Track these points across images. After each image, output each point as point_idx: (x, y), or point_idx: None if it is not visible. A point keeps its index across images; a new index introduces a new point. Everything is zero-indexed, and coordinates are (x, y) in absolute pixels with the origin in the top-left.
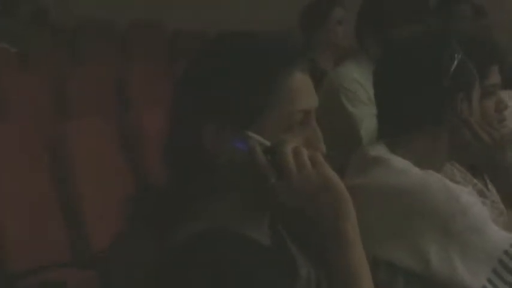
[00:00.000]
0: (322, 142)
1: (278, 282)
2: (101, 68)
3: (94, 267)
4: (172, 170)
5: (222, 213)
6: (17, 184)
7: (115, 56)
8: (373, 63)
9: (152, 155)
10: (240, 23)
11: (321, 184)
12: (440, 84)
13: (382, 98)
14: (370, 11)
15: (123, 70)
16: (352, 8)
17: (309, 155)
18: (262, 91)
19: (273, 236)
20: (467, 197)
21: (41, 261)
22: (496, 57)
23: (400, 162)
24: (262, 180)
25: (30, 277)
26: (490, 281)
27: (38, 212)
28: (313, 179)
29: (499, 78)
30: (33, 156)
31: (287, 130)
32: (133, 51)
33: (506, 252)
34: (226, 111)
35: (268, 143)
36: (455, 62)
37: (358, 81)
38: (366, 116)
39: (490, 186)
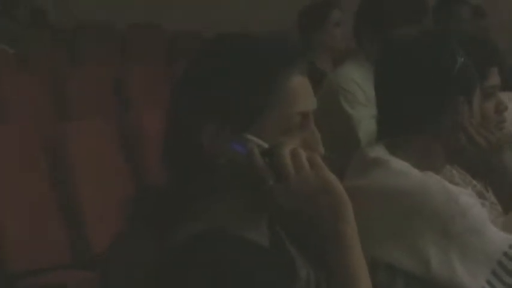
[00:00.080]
0: (320, 144)
1: (277, 284)
2: (101, 68)
3: (94, 268)
4: (172, 171)
5: (221, 213)
6: (17, 185)
7: (115, 57)
8: (372, 63)
9: (152, 155)
10: (240, 23)
11: (320, 186)
12: (441, 85)
13: (383, 98)
14: (369, 11)
15: (122, 70)
16: (350, 9)
17: (307, 157)
18: (262, 91)
19: (272, 237)
20: (466, 198)
21: (41, 262)
22: (496, 59)
23: (399, 164)
24: (260, 182)
25: (30, 278)
26: (489, 282)
27: (37, 213)
28: (311, 180)
29: (498, 79)
30: (33, 157)
31: (285, 132)
32: (133, 51)
33: (505, 253)
34: (226, 112)
35: (266, 145)
36: (458, 65)
37: (357, 83)
38: (365, 118)
39: (489, 187)
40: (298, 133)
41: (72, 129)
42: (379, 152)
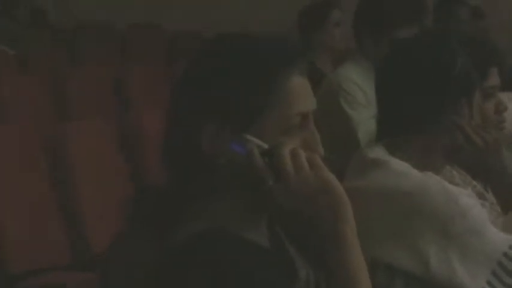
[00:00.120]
0: (320, 144)
1: (277, 284)
2: (101, 68)
3: (94, 268)
4: (172, 171)
5: (221, 213)
6: (17, 185)
7: (115, 57)
8: (371, 63)
9: (152, 155)
10: (240, 23)
11: (319, 186)
12: (442, 86)
13: (383, 98)
14: (368, 11)
15: (122, 70)
16: (350, 9)
17: (307, 157)
18: (262, 91)
19: (272, 238)
20: (466, 199)
21: (41, 262)
22: (496, 59)
23: (399, 165)
24: (260, 183)
25: (30, 278)
26: (489, 283)
27: (37, 213)
28: (311, 181)
29: (498, 80)
30: (33, 157)
31: (285, 133)
32: (133, 51)
33: (505, 254)
34: (226, 112)
35: (265, 146)
36: (459, 66)
37: (356, 83)
38: (364, 119)
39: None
40: (298, 133)
41: (72, 129)
42: (378, 152)
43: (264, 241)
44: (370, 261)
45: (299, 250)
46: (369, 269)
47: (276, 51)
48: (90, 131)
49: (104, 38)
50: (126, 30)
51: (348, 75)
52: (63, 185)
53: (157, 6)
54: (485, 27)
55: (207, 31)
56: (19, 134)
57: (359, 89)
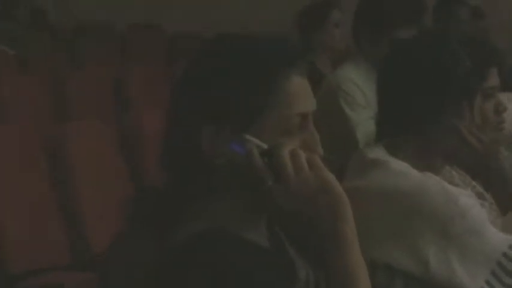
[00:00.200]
0: (319, 145)
1: (276, 284)
2: (101, 68)
3: (94, 268)
4: (171, 171)
5: (221, 214)
6: (17, 185)
7: (115, 57)
8: (371, 64)
9: (152, 155)
10: (240, 23)
11: (319, 186)
12: (442, 86)
13: (383, 98)
14: (368, 12)
15: (122, 71)
16: (349, 9)
17: (307, 158)
18: (262, 92)
19: (271, 238)
20: (465, 199)
21: (41, 262)
22: (495, 59)
23: (398, 165)
24: (260, 183)
25: (30, 278)
26: (488, 283)
27: (37, 213)
28: (310, 181)
29: (497, 80)
30: (33, 157)
31: (285, 133)
32: (133, 51)
33: (504, 254)
34: (226, 112)
35: (265, 146)
36: (460, 67)
37: (356, 84)
38: (363, 120)
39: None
40: (298, 134)
41: (72, 130)
42: (378, 152)
43: (264, 241)
44: (370, 261)
45: (299, 250)
46: (369, 269)
47: (276, 51)
48: (90, 131)
49: (104, 38)
50: (126, 30)
51: (348, 75)
52: (63, 185)
53: (157, 6)
54: (485, 27)
55: (207, 31)
56: (19, 134)
57: (358, 90)
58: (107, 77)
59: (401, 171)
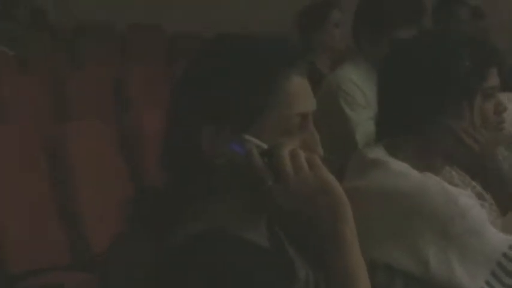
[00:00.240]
0: (319, 145)
1: (276, 284)
2: (101, 68)
3: (93, 268)
4: (171, 171)
5: (220, 214)
6: (17, 185)
7: (115, 57)
8: (371, 64)
9: (152, 156)
10: (240, 23)
11: (319, 187)
12: (442, 86)
13: (384, 97)
14: (368, 12)
15: (122, 71)
16: (349, 9)
17: (306, 158)
18: (262, 91)
19: (271, 238)
20: (465, 199)
21: (41, 263)
22: (495, 59)
23: (398, 165)
24: (260, 183)
25: (30, 278)
26: (488, 283)
27: (37, 213)
28: (310, 181)
29: (497, 80)
30: (33, 157)
31: (285, 133)
32: (133, 51)
33: (504, 254)
34: (226, 112)
35: (265, 146)
36: (461, 68)
37: (356, 84)
38: (363, 120)
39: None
40: (298, 134)
41: (72, 130)
42: (378, 153)
43: (264, 241)
44: (370, 261)
45: (298, 250)
46: (368, 269)
47: (276, 52)
48: (90, 131)
49: (104, 38)
50: (126, 30)
51: (347, 76)
52: (63, 185)
53: (157, 6)
54: (485, 27)
55: (207, 31)
56: (19, 134)
57: (358, 90)
58: (107, 77)
59: (401, 172)
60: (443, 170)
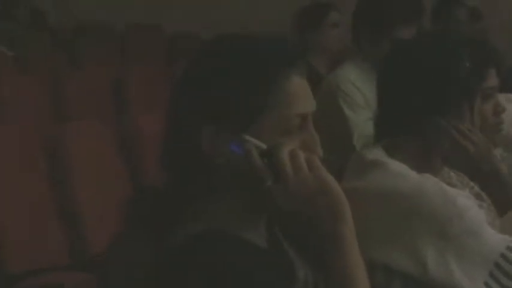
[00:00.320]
0: (319, 146)
1: (276, 285)
2: (100, 68)
3: (93, 268)
4: (171, 171)
5: (220, 214)
6: (17, 185)
7: (114, 57)
8: (370, 64)
9: (151, 156)
10: (240, 23)
11: (318, 187)
12: (442, 87)
13: (383, 97)
14: (367, 12)
15: (122, 71)
16: (349, 9)
17: (306, 158)
18: (262, 92)
19: (270, 239)
20: (463, 200)
21: (40, 263)
22: (494, 60)
23: (397, 166)
24: (259, 183)
25: (30, 278)
26: (486, 284)
27: (37, 213)
28: (309, 182)
29: (496, 81)
30: (33, 157)
31: (284, 133)
32: (133, 52)
33: (502, 255)
34: (226, 112)
35: (264, 146)
36: (462, 69)
37: (355, 85)
38: (361, 122)
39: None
40: (297, 134)
41: (72, 130)
42: (377, 154)
43: (263, 242)
44: (369, 262)
45: (298, 251)
46: (367, 270)
47: (276, 52)
48: (89, 131)
49: (104, 38)
50: (126, 30)
51: (347, 76)
52: (62, 185)
53: (157, 7)
54: (483, 28)
55: (206, 31)
56: (19, 134)
57: (357, 91)
58: (106, 77)
59: (400, 173)
60: (442, 170)
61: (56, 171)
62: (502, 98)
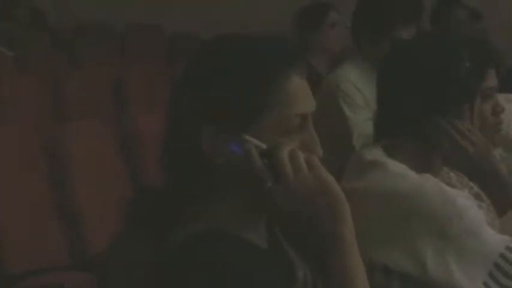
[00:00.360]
0: (318, 146)
1: (276, 285)
2: (100, 68)
3: (93, 268)
4: (171, 171)
5: (220, 214)
6: (17, 185)
7: (114, 57)
8: (370, 64)
9: (151, 156)
10: (240, 23)
11: (318, 187)
12: (442, 87)
13: (383, 97)
14: (367, 12)
15: (122, 71)
16: (348, 10)
17: (306, 158)
18: (262, 92)
19: (270, 239)
20: (463, 200)
21: (40, 263)
22: (493, 60)
23: (396, 166)
24: (259, 183)
25: (30, 278)
26: (485, 284)
27: (37, 213)
28: (309, 182)
29: (496, 81)
30: (33, 157)
31: (284, 133)
32: (133, 52)
33: (501, 255)
34: (226, 112)
35: (264, 146)
36: (462, 70)
37: (355, 85)
38: (361, 122)
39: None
40: (297, 135)
41: (72, 130)
42: (376, 154)
43: (263, 242)
44: (368, 262)
45: (298, 251)
46: (367, 270)
47: (276, 52)
48: (89, 131)
49: (104, 38)
50: (126, 30)
51: (347, 76)
52: (62, 185)
53: (157, 7)
54: (483, 28)
55: (206, 31)
56: (19, 134)
57: (357, 91)
58: (106, 77)
59: (400, 173)
60: (442, 170)
61: (56, 171)
62: (502, 98)
